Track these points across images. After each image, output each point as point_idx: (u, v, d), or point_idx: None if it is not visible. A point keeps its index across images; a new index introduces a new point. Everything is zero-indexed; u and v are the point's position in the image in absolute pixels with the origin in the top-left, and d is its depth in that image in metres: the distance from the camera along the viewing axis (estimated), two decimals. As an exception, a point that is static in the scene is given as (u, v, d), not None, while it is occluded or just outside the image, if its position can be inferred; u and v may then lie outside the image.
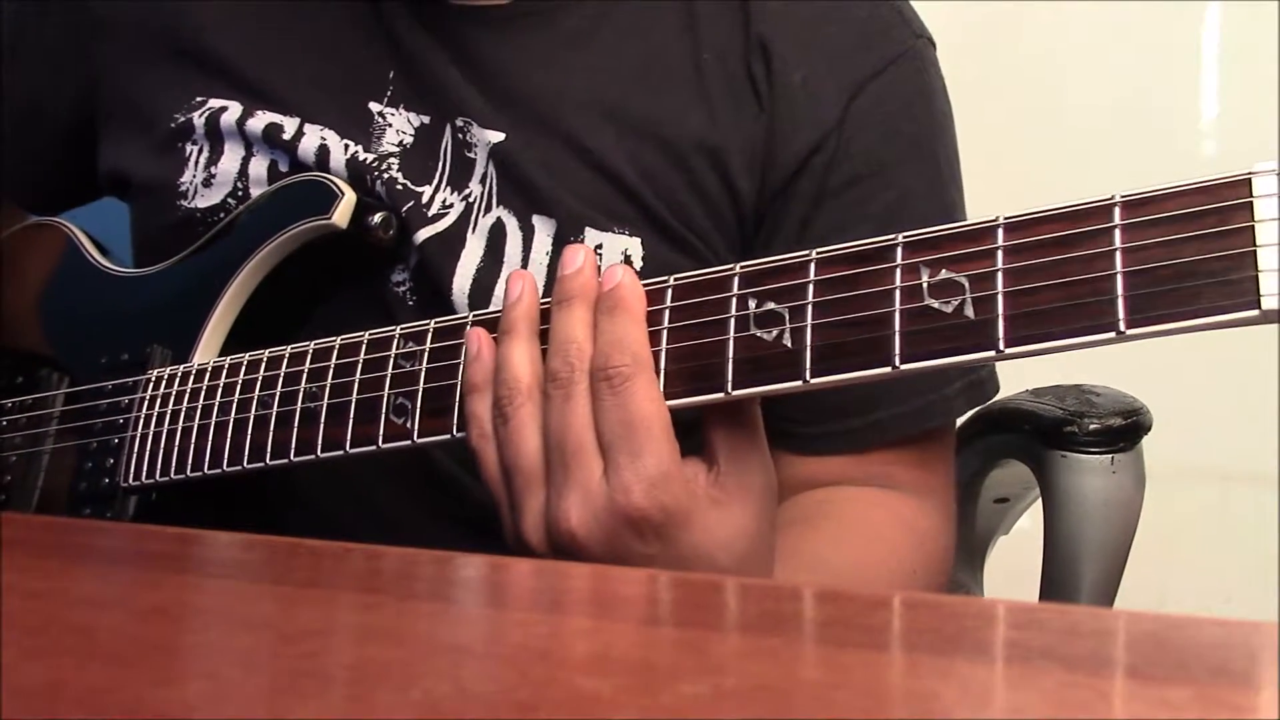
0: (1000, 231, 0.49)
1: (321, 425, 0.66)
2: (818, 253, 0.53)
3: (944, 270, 0.50)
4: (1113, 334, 0.46)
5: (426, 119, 0.78)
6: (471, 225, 0.76)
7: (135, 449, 0.75)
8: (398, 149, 0.78)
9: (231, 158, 0.81)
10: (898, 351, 0.50)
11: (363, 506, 0.80)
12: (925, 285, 0.50)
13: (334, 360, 0.66)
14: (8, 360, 0.88)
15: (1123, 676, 0.32)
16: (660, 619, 0.40)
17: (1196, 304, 0.44)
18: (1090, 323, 0.46)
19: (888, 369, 0.50)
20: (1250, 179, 0.44)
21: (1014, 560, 0.92)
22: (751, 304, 0.54)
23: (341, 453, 0.65)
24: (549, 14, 0.78)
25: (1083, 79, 1.61)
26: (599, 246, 0.74)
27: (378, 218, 0.74)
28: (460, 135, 0.77)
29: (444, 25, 0.78)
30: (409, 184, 0.77)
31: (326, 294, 0.79)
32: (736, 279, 0.55)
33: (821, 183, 0.75)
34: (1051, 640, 0.35)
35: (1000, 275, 0.48)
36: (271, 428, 0.68)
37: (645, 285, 0.57)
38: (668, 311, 0.56)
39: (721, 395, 0.54)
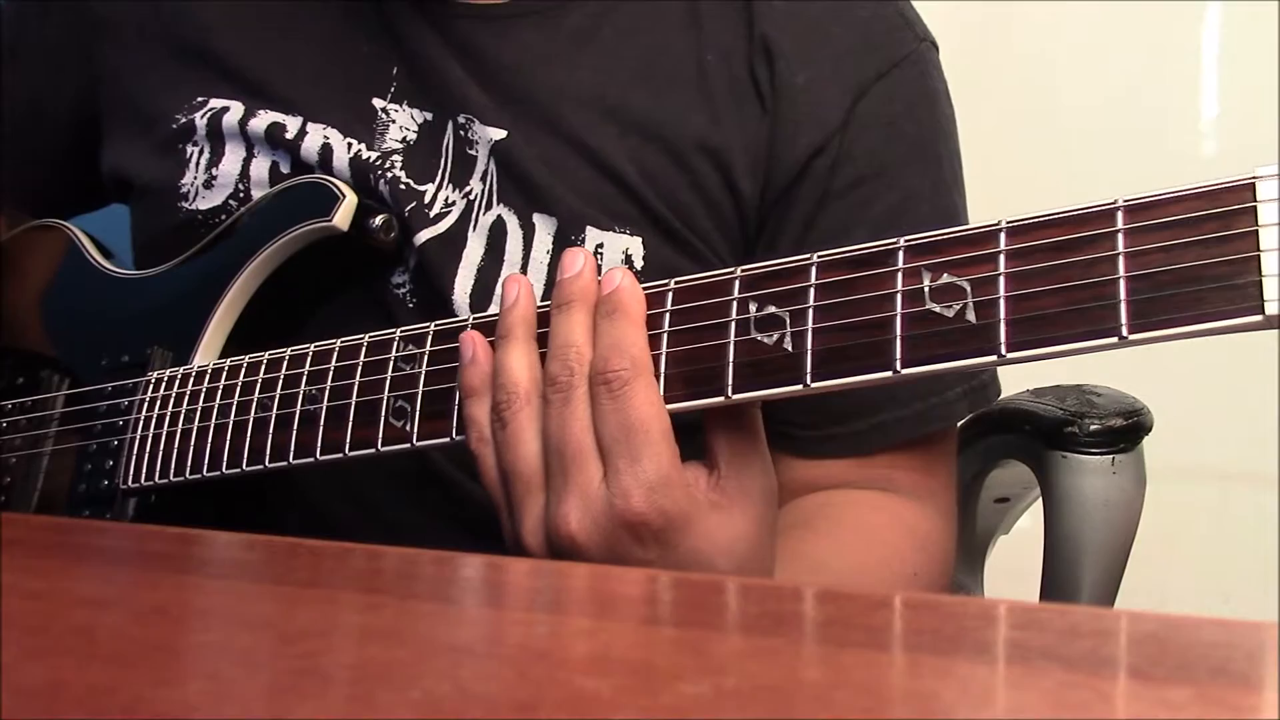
0: (1002, 235, 0.49)
1: (321, 428, 0.66)
2: (819, 256, 0.53)
3: (946, 274, 0.49)
4: (1115, 339, 0.45)
5: (429, 116, 0.78)
6: (472, 223, 0.76)
7: (135, 451, 0.75)
8: (401, 145, 0.78)
9: (233, 159, 0.81)
10: (899, 356, 0.50)
11: (362, 508, 0.80)
12: (927, 289, 0.50)
13: (334, 363, 0.66)
14: (8, 361, 0.88)
15: (1123, 676, 0.32)
16: (660, 619, 0.40)
17: (1199, 309, 0.44)
18: (1092, 327, 0.46)
19: (889, 373, 0.50)
20: (1254, 183, 0.44)
21: (1014, 560, 0.92)
22: (752, 307, 0.54)
23: (340, 455, 0.65)
24: (552, 13, 0.78)
25: (1082, 79, 1.61)
26: (600, 245, 0.74)
27: (379, 220, 0.75)
28: (462, 132, 0.77)
29: (447, 22, 0.78)
30: (411, 183, 0.77)
31: (327, 296, 0.79)
32: (737, 282, 0.55)
33: (825, 184, 0.75)
34: (1051, 640, 0.35)
35: (1002, 279, 0.48)
36: (271, 430, 0.68)
37: (645, 288, 0.57)
38: (668, 315, 0.56)
39: (722, 399, 0.54)
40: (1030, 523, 0.91)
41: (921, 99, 0.78)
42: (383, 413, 0.63)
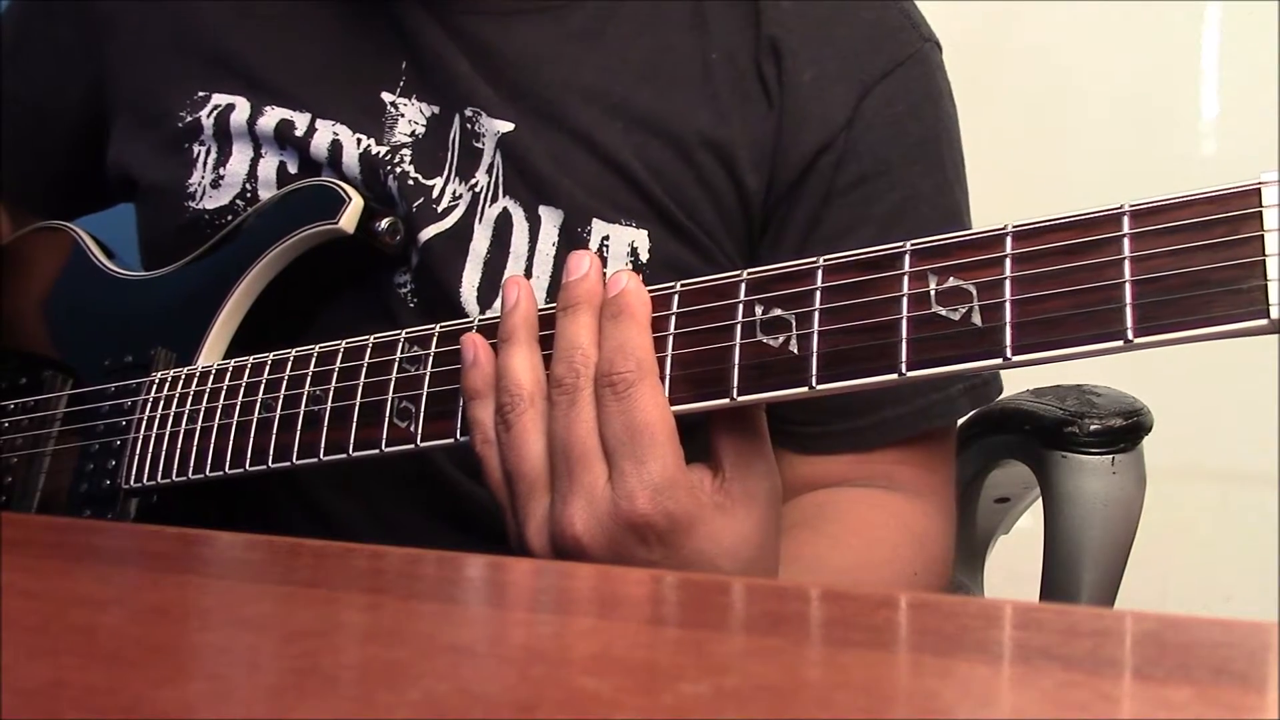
0: (1009, 239, 0.49)
1: (325, 428, 0.66)
2: (825, 259, 0.53)
3: (952, 278, 0.49)
4: (1120, 343, 0.46)
5: (437, 109, 0.78)
6: (478, 216, 0.76)
7: (137, 451, 0.75)
8: (410, 139, 0.78)
9: (240, 159, 0.81)
10: (904, 359, 0.50)
11: (364, 508, 0.80)
12: (933, 292, 0.50)
13: (338, 364, 0.66)
14: (12, 361, 0.88)
15: (1123, 676, 0.32)
16: (661, 619, 0.40)
17: (1205, 313, 0.44)
18: (1098, 331, 0.46)
19: (894, 376, 0.50)
20: (1259, 189, 0.44)
21: (1014, 560, 0.92)
22: (758, 310, 0.54)
23: (344, 456, 0.65)
24: (558, 10, 0.78)
25: (1082, 79, 1.61)
26: (606, 238, 0.75)
27: (384, 223, 0.75)
28: (469, 125, 0.77)
29: (454, 18, 0.78)
30: (420, 177, 0.77)
31: (330, 298, 0.79)
32: (744, 285, 0.55)
33: (830, 181, 0.75)
34: (1051, 640, 0.35)
35: (1008, 283, 0.48)
36: (275, 431, 0.68)
37: (651, 291, 0.57)
38: (674, 317, 0.56)
39: (727, 401, 0.54)
40: (1030, 523, 0.91)
41: (925, 98, 0.78)
42: (387, 413, 0.63)
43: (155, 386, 0.76)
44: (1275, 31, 1.46)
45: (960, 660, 0.33)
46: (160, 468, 0.73)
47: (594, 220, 0.75)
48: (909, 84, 0.77)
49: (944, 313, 0.49)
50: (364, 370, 0.65)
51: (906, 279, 0.51)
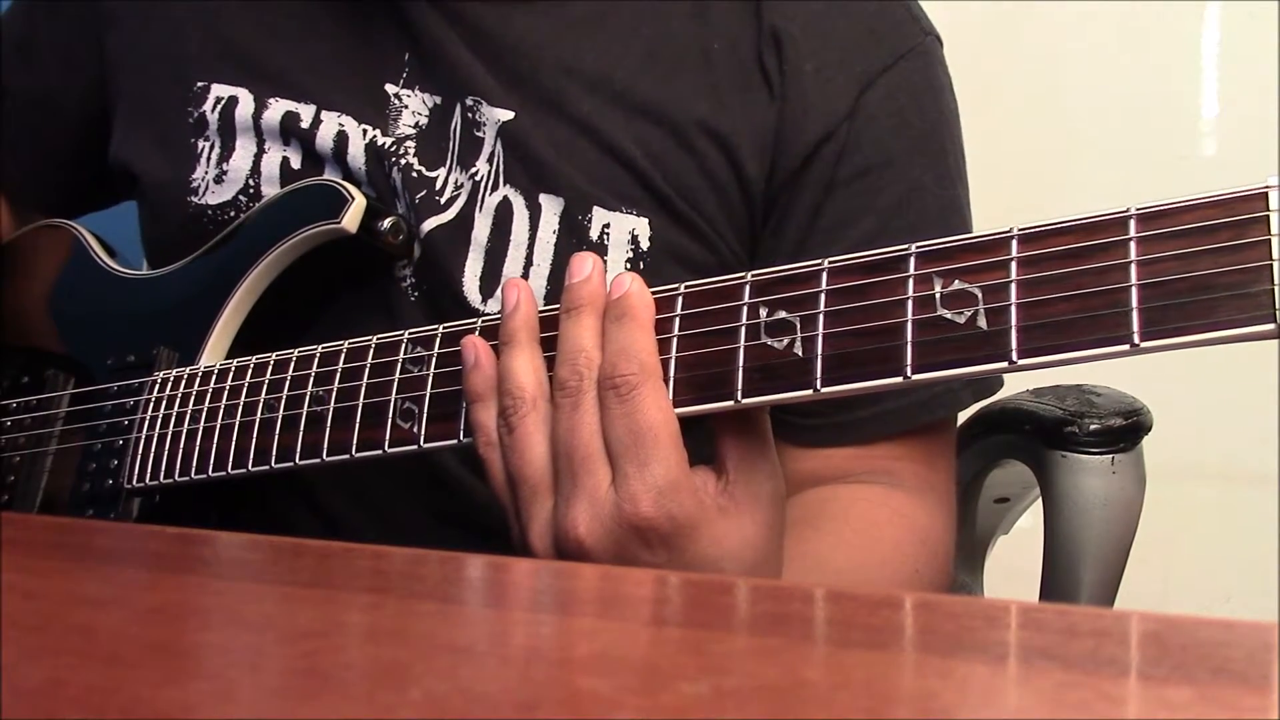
0: (1014, 242, 0.49)
1: (328, 429, 0.66)
2: (829, 262, 0.53)
3: (957, 281, 0.49)
4: (1126, 346, 0.45)
5: (439, 99, 0.79)
6: (479, 205, 0.76)
7: (140, 450, 0.75)
8: (414, 130, 0.78)
9: (244, 154, 0.81)
10: (909, 362, 0.50)
11: (367, 508, 0.80)
12: (938, 295, 0.50)
13: (341, 364, 0.66)
14: (14, 360, 0.88)
15: (1123, 676, 0.32)
16: (661, 619, 0.40)
17: (1211, 318, 0.44)
18: (1104, 335, 0.46)
19: (899, 379, 0.50)
20: (1266, 192, 0.44)
21: (1014, 560, 0.92)
22: (762, 312, 0.54)
23: (347, 457, 0.65)
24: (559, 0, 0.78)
25: (1083, 78, 1.61)
26: (606, 226, 0.75)
27: (387, 223, 0.75)
28: (470, 114, 0.78)
29: (455, 7, 0.78)
30: (424, 169, 0.77)
31: (332, 296, 0.79)
32: (748, 287, 0.55)
33: (831, 172, 0.75)
34: (1051, 640, 0.35)
35: (1014, 286, 0.48)
36: (277, 431, 0.68)
37: (655, 292, 0.57)
38: (678, 319, 0.56)
39: (731, 403, 0.54)
40: (1030, 522, 0.91)
41: (926, 92, 0.79)
42: (390, 414, 0.63)
43: (158, 386, 0.76)
44: (1275, 31, 1.46)
45: (960, 660, 0.33)
46: (163, 467, 0.73)
47: (595, 208, 0.75)
48: (911, 77, 0.77)
49: (949, 316, 0.49)
50: (367, 371, 0.65)
51: (911, 282, 0.50)
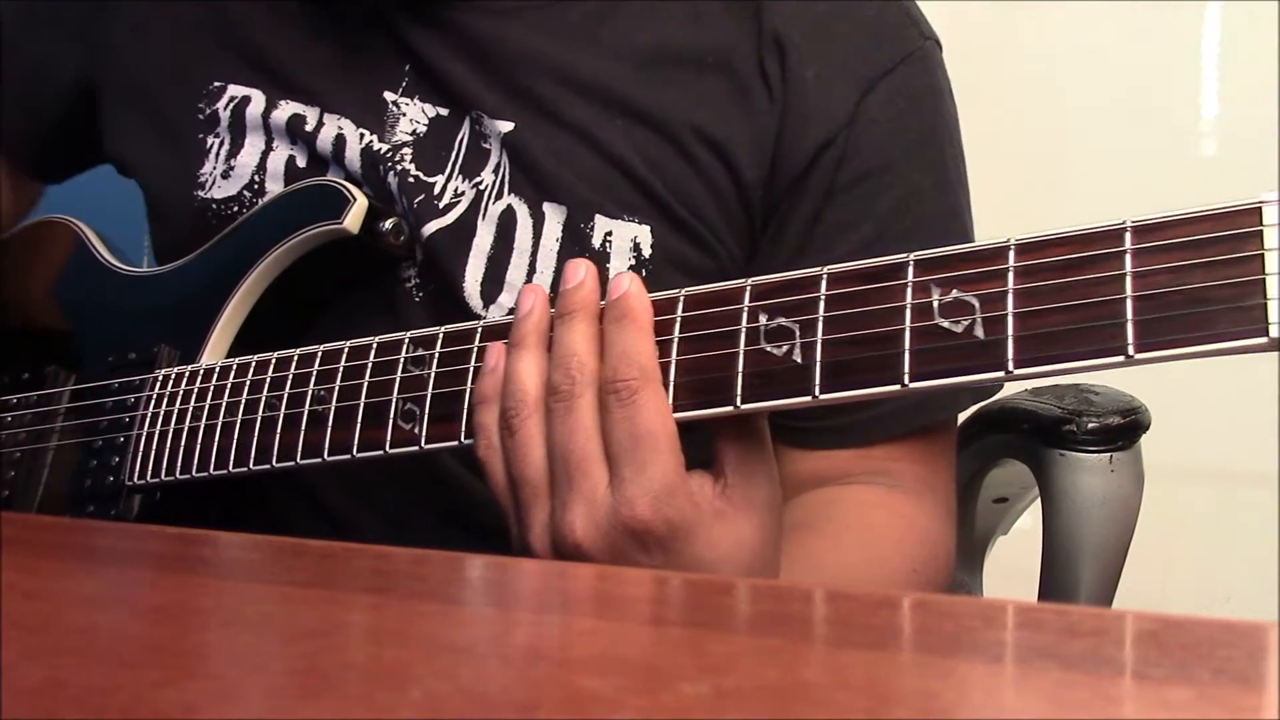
0: (1011, 253, 0.49)
1: (329, 429, 0.66)
2: (829, 269, 0.53)
3: (955, 290, 0.50)
4: (1121, 358, 0.46)
5: (445, 111, 0.79)
6: (482, 213, 0.76)
7: (141, 448, 0.75)
8: (410, 138, 0.78)
9: (251, 151, 0.82)
10: (907, 370, 0.50)
11: (368, 507, 0.80)
12: (936, 304, 0.50)
13: (342, 363, 0.66)
14: (15, 357, 0.88)
15: (1122, 676, 0.32)
16: (661, 619, 0.40)
17: (1205, 330, 0.44)
18: (1099, 346, 0.46)
19: (896, 386, 0.51)
20: (1260, 207, 0.44)
21: (1014, 560, 0.92)
22: (762, 318, 0.54)
23: (348, 457, 0.65)
24: (553, 7, 0.78)
25: (1083, 79, 1.61)
26: (609, 234, 0.75)
27: (389, 224, 0.75)
28: (477, 126, 0.78)
29: (451, 20, 0.78)
30: (421, 175, 0.77)
31: (334, 297, 0.79)
32: (748, 293, 0.55)
33: (832, 178, 0.75)
34: (1051, 640, 0.35)
35: (1011, 296, 0.48)
36: (279, 430, 0.68)
37: (655, 297, 0.57)
38: (678, 323, 0.56)
39: (731, 409, 0.54)
40: (1030, 522, 0.91)
41: (926, 96, 0.79)
42: (391, 415, 0.63)
43: (159, 383, 0.76)
44: (1275, 31, 1.46)
45: (960, 660, 0.33)
46: (164, 465, 0.73)
47: (597, 216, 0.75)
48: (910, 81, 0.77)
49: (946, 325, 0.50)
50: (368, 370, 0.65)
51: (910, 290, 0.51)
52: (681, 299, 0.57)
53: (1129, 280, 0.46)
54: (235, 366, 0.72)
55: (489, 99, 0.77)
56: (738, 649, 0.35)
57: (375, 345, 0.66)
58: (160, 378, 0.76)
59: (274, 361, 0.70)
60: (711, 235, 0.76)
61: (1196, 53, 1.58)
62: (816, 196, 0.75)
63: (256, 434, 0.69)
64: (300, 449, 0.67)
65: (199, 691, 0.31)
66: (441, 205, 0.77)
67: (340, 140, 0.79)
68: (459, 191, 0.77)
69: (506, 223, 0.76)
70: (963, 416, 0.85)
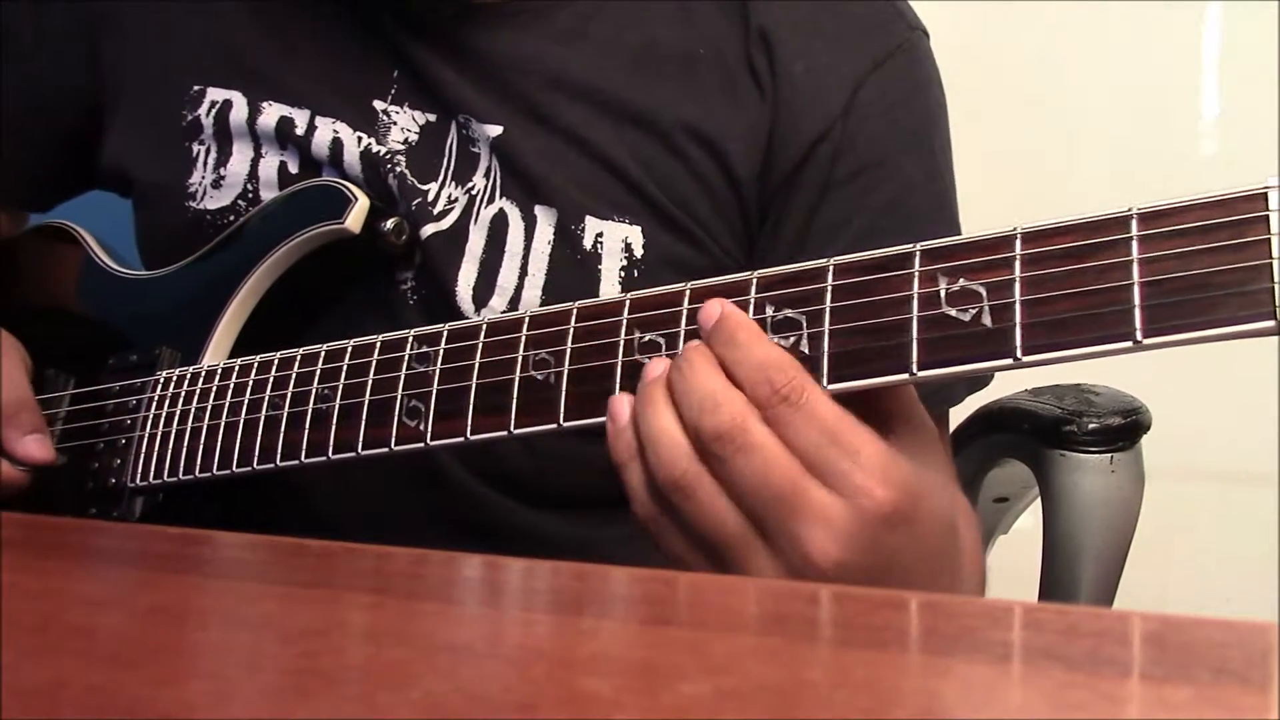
0: (1018, 241, 0.49)
1: (333, 427, 0.66)
2: (835, 261, 0.53)
3: (962, 279, 0.50)
4: (1129, 344, 0.46)
5: (433, 117, 0.79)
6: (474, 217, 0.76)
7: (142, 449, 0.75)
8: (403, 146, 0.78)
9: (240, 159, 0.81)
10: (915, 359, 0.50)
11: (368, 509, 0.80)
12: (943, 293, 0.50)
13: (346, 361, 0.66)
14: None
15: (1123, 676, 0.32)
16: (661, 619, 0.40)
17: (1212, 315, 0.45)
18: (1107, 332, 0.47)
19: (905, 375, 0.51)
20: (1266, 192, 0.44)
21: (1014, 560, 0.92)
22: (769, 310, 0.54)
23: (353, 455, 0.65)
24: (542, 10, 0.78)
25: (1083, 79, 1.61)
26: (600, 235, 0.75)
27: (390, 223, 0.75)
28: (464, 131, 0.78)
29: (438, 25, 0.78)
30: (415, 182, 0.77)
31: (334, 297, 0.79)
32: (754, 285, 0.55)
33: (827, 172, 0.75)
34: (1051, 640, 0.35)
35: (1018, 284, 0.49)
36: (282, 429, 0.68)
37: (661, 290, 0.57)
38: (685, 314, 0.56)
39: None
40: (1030, 522, 0.91)
41: (916, 88, 0.79)
42: (396, 412, 0.63)
43: (160, 385, 0.76)
44: (1275, 31, 1.46)
45: (960, 660, 0.33)
46: (166, 466, 0.73)
47: (587, 217, 0.75)
48: (900, 74, 0.78)
49: (954, 314, 0.50)
50: (372, 368, 0.65)
51: (917, 279, 0.51)
52: (688, 293, 0.57)
53: (1135, 266, 0.46)
54: (238, 367, 0.72)
55: (477, 103, 0.77)
56: (738, 649, 0.35)
57: (379, 343, 0.66)
58: (161, 379, 0.76)
59: (276, 361, 0.70)
60: (704, 233, 0.76)
61: (1196, 53, 1.58)
62: (812, 191, 0.76)
63: (260, 434, 0.69)
64: (305, 448, 0.67)
65: (199, 691, 0.31)
66: (436, 212, 0.77)
67: (337, 144, 0.79)
68: (452, 198, 0.77)
69: (498, 227, 0.76)
70: (963, 416, 0.85)
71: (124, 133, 0.87)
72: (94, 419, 0.80)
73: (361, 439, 0.64)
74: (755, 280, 0.55)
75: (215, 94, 0.83)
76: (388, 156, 0.78)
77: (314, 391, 0.67)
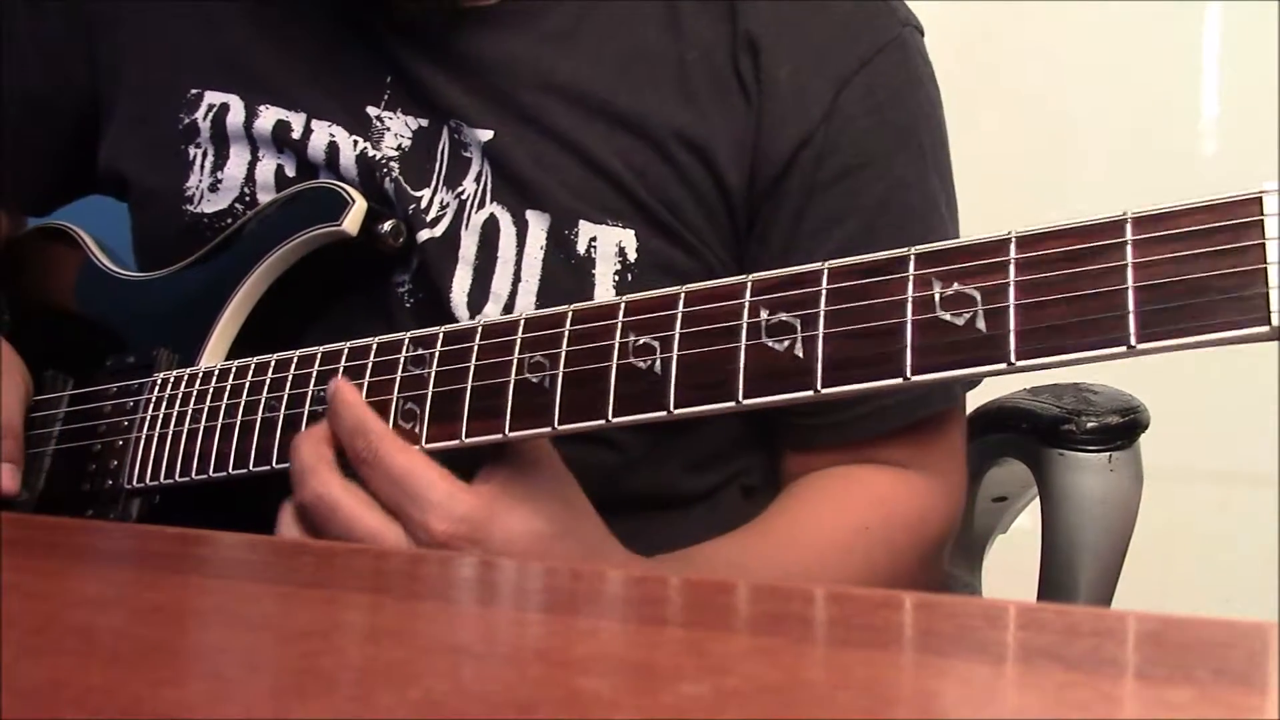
0: (1012, 245, 0.49)
1: None
2: (829, 264, 0.53)
3: (956, 283, 0.50)
4: (1124, 348, 0.46)
5: (424, 122, 0.79)
6: (465, 222, 0.76)
7: (140, 451, 0.75)
8: (396, 153, 0.78)
9: (237, 162, 0.81)
10: (909, 363, 0.50)
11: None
12: (937, 298, 0.50)
13: (343, 363, 0.66)
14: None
15: (1123, 676, 0.32)
16: (661, 619, 0.40)
17: (1207, 320, 0.45)
18: (1101, 337, 0.47)
19: (899, 380, 0.51)
20: (1260, 197, 0.44)
21: (1013, 559, 0.92)
22: (763, 314, 0.54)
23: None
24: (531, 13, 0.78)
25: (1083, 79, 1.61)
26: (593, 239, 0.75)
27: (388, 226, 0.75)
28: (456, 135, 0.78)
29: (429, 30, 0.78)
30: (409, 189, 0.77)
31: (330, 300, 0.79)
32: (748, 288, 0.55)
33: (812, 176, 0.75)
34: (1052, 640, 0.35)
35: (1012, 289, 0.49)
36: (278, 431, 0.68)
37: (656, 294, 0.57)
38: (679, 318, 0.56)
39: (733, 404, 0.54)
40: (1029, 522, 0.91)
41: (905, 85, 0.78)
42: (392, 414, 0.63)
43: (158, 386, 0.76)
44: (1275, 31, 1.46)
45: (960, 660, 0.33)
46: (163, 468, 0.73)
47: (580, 222, 0.75)
48: (888, 71, 0.77)
49: (948, 318, 0.50)
50: (368, 370, 0.65)
51: (911, 284, 0.51)
52: (682, 296, 0.57)
53: (1130, 271, 0.46)
54: (234, 368, 0.72)
55: (469, 107, 0.77)
56: (738, 649, 0.35)
57: (375, 345, 0.66)
58: (159, 381, 0.76)
59: (273, 363, 0.70)
60: (696, 239, 0.76)
61: (1197, 53, 1.58)
62: (797, 196, 0.75)
63: (256, 436, 0.69)
64: None
65: (199, 691, 0.31)
66: (429, 218, 0.77)
67: (333, 148, 0.79)
68: (445, 204, 0.77)
69: (489, 232, 0.76)
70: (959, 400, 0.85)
71: (121, 135, 0.87)
72: (91, 420, 0.80)
73: None
74: (749, 284, 0.55)
75: (212, 97, 0.83)
76: (383, 162, 0.78)
77: (310, 393, 0.67)
